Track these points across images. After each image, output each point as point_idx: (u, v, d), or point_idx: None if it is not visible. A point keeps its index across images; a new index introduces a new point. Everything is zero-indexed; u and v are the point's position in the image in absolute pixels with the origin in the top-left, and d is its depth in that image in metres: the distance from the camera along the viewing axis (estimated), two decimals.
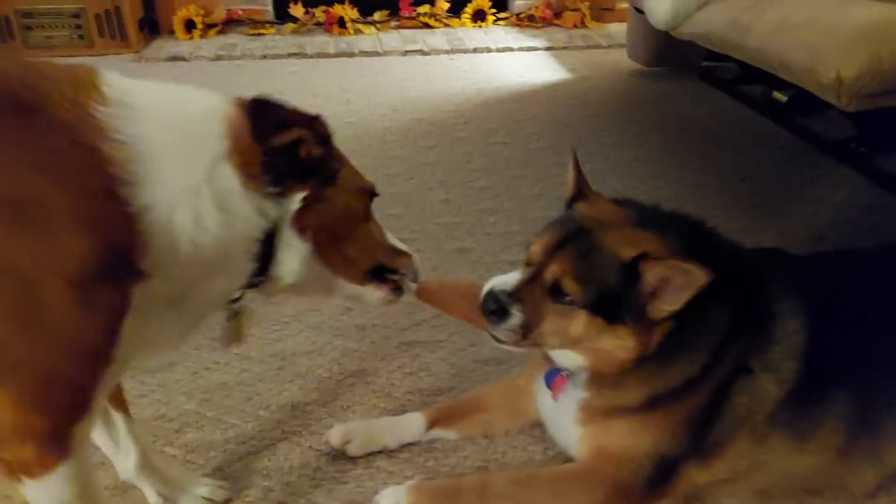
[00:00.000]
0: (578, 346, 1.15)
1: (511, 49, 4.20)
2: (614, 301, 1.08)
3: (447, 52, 4.13)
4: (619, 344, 1.11)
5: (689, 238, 1.17)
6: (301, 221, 0.96)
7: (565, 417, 1.25)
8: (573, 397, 1.23)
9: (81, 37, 4.01)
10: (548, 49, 4.23)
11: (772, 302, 1.21)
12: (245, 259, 0.94)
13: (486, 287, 1.14)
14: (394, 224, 2.14)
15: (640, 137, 2.90)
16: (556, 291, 1.10)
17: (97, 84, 0.82)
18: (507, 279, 1.14)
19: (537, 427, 1.38)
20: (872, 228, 2.15)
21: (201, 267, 0.89)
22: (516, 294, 1.11)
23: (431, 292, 1.27)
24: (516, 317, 1.11)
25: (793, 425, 1.20)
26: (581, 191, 1.23)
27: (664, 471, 1.18)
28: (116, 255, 0.80)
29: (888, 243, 1.59)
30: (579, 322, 1.10)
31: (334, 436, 1.31)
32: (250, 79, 3.60)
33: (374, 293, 1.13)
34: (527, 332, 1.12)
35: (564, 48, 4.25)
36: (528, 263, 1.16)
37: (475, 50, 4.16)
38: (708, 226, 1.25)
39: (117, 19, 4.03)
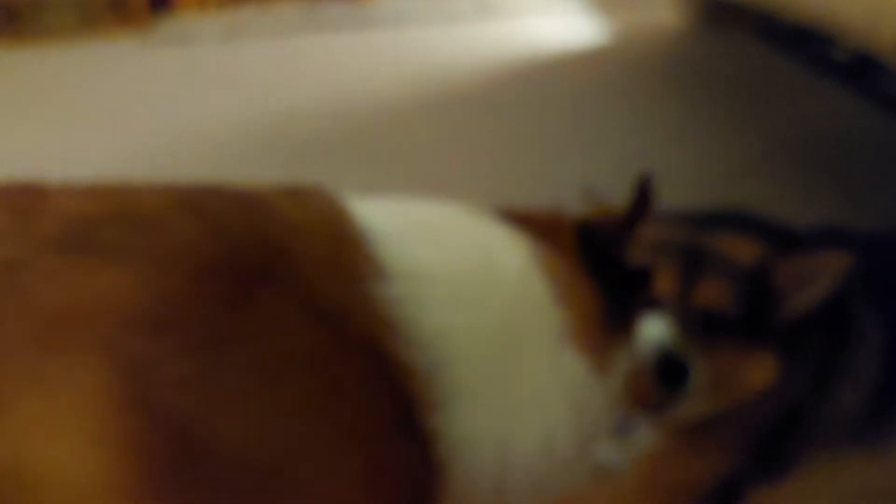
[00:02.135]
0: (717, 385, 0.97)
1: (544, 12, 3.99)
2: (752, 317, 0.95)
3: (476, 18, 3.94)
4: (759, 368, 0.97)
5: (754, 227, 1.06)
6: None
7: (615, 445, 1.11)
8: (642, 436, 1.07)
9: (87, 20, 3.88)
10: (585, 10, 4.00)
11: (847, 298, 1.06)
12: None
13: (648, 349, 0.90)
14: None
15: (691, 102, 2.68)
16: (708, 323, 0.94)
17: (360, 243, 0.57)
18: (658, 330, 0.91)
19: None
20: None
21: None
22: (683, 343, 0.91)
23: None
24: (693, 368, 0.91)
25: (870, 432, 1.10)
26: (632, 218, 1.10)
27: (730, 496, 1.08)
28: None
29: None
30: (727, 356, 0.95)
31: None
32: (265, 57, 3.46)
33: None
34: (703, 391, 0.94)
35: (603, 8, 4.01)
36: (651, 303, 0.96)
37: (506, 14, 3.95)
38: (752, 211, 1.13)
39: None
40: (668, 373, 0.89)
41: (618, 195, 2.11)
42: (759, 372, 0.98)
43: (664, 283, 0.96)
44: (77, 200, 0.52)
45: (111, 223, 0.50)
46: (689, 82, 2.94)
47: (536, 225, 0.67)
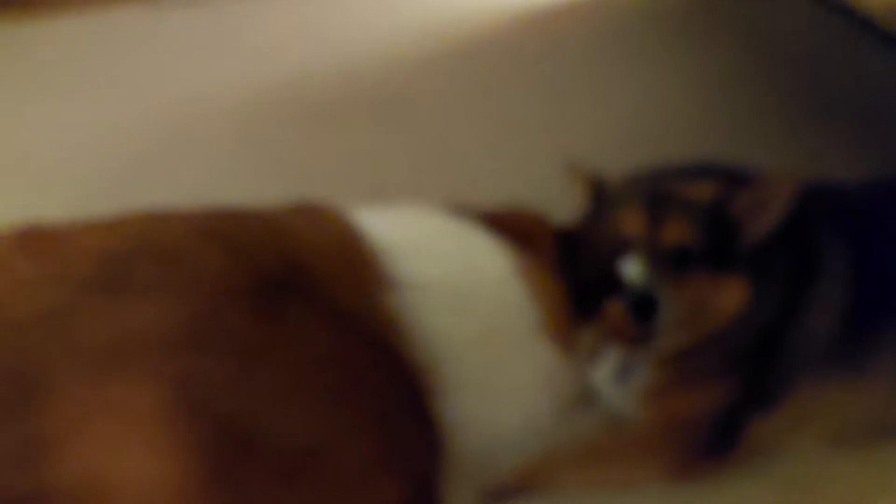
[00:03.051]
0: (691, 314, 1.09)
1: None
2: (718, 248, 1.06)
3: None
4: (730, 295, 1.08)
5: (721, 179, 1.14)
6: None
7: (620, 391, 1.21)
8: (636, 371, 1.18)
9: None
10: None
11: (813, 233, 1.16)
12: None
13: (625, 284, 1.02)
14: (425, 174, 2.06)
15: (700, 49, 2.66)
16: (676, 259, 1.05)
17: (372, 259, 0.66)
18: (631, 268, 1.02)
19: None
20: None
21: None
22: (654, 279, 1.02)
23: None
24: (663, 302, 1.02)
25: (854, 367, 1.16)
26: (600, 182, 1.18)
27: (729, 423, 1.16)
28: (422, 493, 0.65)
29: None
30: (699, 286, 1.06)
31: None
32: (274, 16, 3.42)
33: None
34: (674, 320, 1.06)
35: None
36: (624, 245, 1.07)
37: None
38: (725, 165, 1.20)
39: None
40: (641, 308, 1.00)
41: (624, 149, 2.16)
42: (729, 298, 1.08)
43: (633, 224, 1.07)
44: (100, 238, 0.58)
45: (140, 259, 0.56)
46: (694, 30, 2.89)
47: (517, 229, 0.79)
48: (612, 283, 0.91)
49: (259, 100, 2.65)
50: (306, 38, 3.11)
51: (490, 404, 0.70)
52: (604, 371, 1.21)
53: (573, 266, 0.80)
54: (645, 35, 2.82)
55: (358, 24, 3.21)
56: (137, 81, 2.92)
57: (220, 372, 0.53)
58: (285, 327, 0.57)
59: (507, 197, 1.89)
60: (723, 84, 2.37)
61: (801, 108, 2.22)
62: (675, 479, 1.15)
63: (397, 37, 3.04)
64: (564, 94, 2.45)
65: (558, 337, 0.76)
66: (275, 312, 0.57)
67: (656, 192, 1.10)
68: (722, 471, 1.17)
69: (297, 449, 0.55)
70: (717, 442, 1.15)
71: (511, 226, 0.80)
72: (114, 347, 0.51)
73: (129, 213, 0.62)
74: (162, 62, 3.09)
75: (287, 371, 0.56)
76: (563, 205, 1.85)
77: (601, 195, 1.16)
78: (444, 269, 0.70)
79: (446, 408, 0.65)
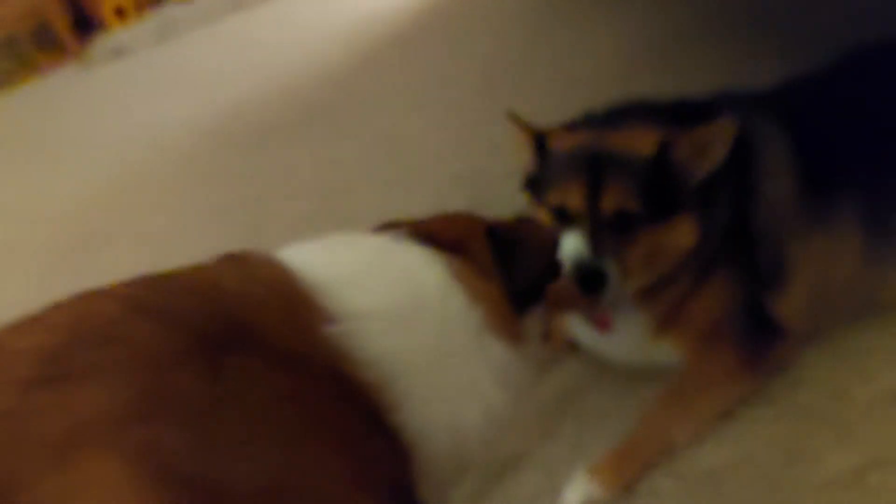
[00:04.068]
0: (649, 264, 1.12)
1: None
2: (663, 197, 1.09)
3: None
4: (681, 235, 1.12)
5: (652, 114, 1.18)
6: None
7: (635, 342, 1.23)
8: (631, 322, 1.21)
9: (23, 62, 3.91)
10: None
11: (745, 120, 1.18)
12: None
13: (568, 264, 1.06)
14: (377, 169, 2.13)
15: None
16: (619, 223, 1.08)
17: (309, 297, 0.68)
18: (574, 245, 1.07)
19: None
20: (892, 15, 2.01)
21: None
22: (598, 250, 1.06)
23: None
24: (612, 272, 1.06)
25: (822, 221, 1.20)
26: (541, 134, 1.20)
27: (758, 312, 1.19)
28: (402, 499, 0.68)
29: (864, 45, 1.52)
30: (648, 240, 1.10)
31: None
32: (199, 51, 3.49)
33: None
34: (621, 285, 1.08)
35: None
36: (569, 218, 1.11)
37: None
38: (647, 99, 1.24)
39: (50, 32, 3.90)
40: (589, 282, 1.04)
41: (556, 100, 2.21)
42: (680, 237, 1.11)
43: (574, 200, 1.09)
44: (32, 336, 0.58)
45: (76, 347, 0.57)
46: None
47: (448, 234, 0.82)
48: (557, 266, 0.91)
49: (201, 132, 2.71)
50: (235, 68, 3.17)
51: (450, 407, 0.72)
52: (593, 335, 1.23)
53: (513, 257, 0.83)
54: None
55: (283, 40, 3.28)
56: (81, 140, 2.98)
57: (175, 436, 0.54)
58: (235, 381, 0.59)
59: (457, 173, 2.00)
60: (655, 13, 2.44)
61: (725, 20, 2.29)
62: (748, 376, 1.17)
63: (327, 42, 3.11)
64: (497, 56, 2.52)
65: (504, 331, 0.78)
66: (218, 368, 0.59)
67: (594, 154, 1.11)
68: (787, 359, 1.20)
69: (268, 489, 0.57)
70: (757, 331, 1.18)
71: (441, 232, 0.82)
72: (70, 434, 0.52)
73: (54, 305, 0.62)
74: (102, 115, 3.15)
75: (241, 420, 0.58)
76: (510, 173, 1.95)
77: (543, 150, 1.18)
78: (381, 291, 0.72)
79: (408, 418, 0.67)
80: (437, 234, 0.81)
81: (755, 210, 1.19)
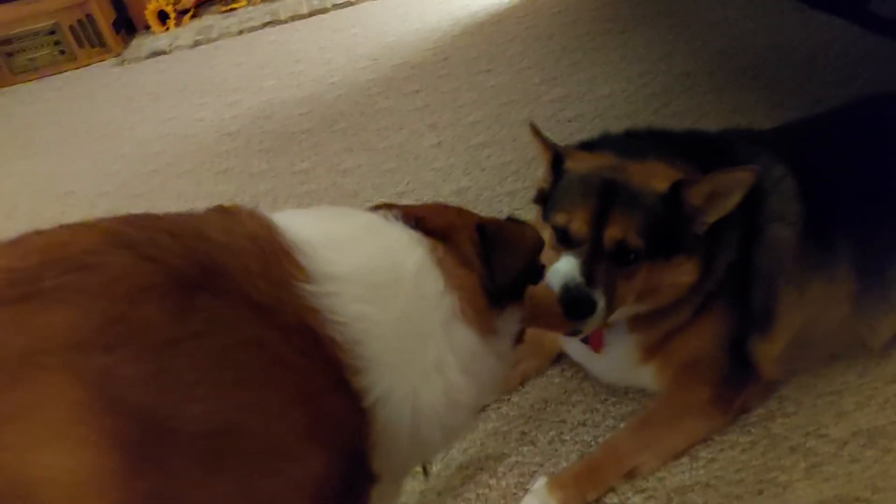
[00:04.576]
0: (643, 297, 1.14)
1: None
2: (668, 236, 1.10)
3: None
4: (681, 274, 1.12)
5: (669, 146, 1.21)
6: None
7: (622, 363, 1.25)
8: (621, 343, 1.23)
9: (62, 52, 4.03)
10: None
11: (748, 161, 1.21)
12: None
13: (558, 286, 1.08)
14: (389, 179, 2.19)
15: (624, 35, 2.83)
16: (618, 255, 1.09)
17: (289, 253, 0.69)
18: (569, 268, 1.08)
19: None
20: (874, 77, 2.10)
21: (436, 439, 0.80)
22: (591, 278, 1.07)
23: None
24: (600, 301, 1.07)
25: (819, 268, 1.21)
26: (558, 152, 1.22)
27: (739, 354, 1.20)
28: (354, 462, 0.70)
29: (860, 98, 1.57)
30: (646, 275, 1.11)
31: None
32: (232, 58, 3.60)
33: None
34: (608, 314, 1.10)
35: None
36: (570, 241, 1.12)
37: None
38: (663, 129, 1.29)
39: (92, 26, 4.03)
40: (572, 305, 1.05)
41: (559, 135, 2.30)
42: (678, 277, 1.11)
43: (577, 225, 1.10)
44: (1, 259, 0.58)
45: (47, 270, 0.57)
46: (622, 14, 3.04)
47: (437, 223, 0.84)
48: (538, 269, 0.94)
49: (225, 132, 2.78)
50: (264, 77, 3.25)
51: (412, 382, 0.73)
52: (586, 352, 1.25)
53: (497, 252, 0.84)
54: (576, 26, 2.97)
55: (311, 57, 3.37)
56: (112, 130, 3.06)
57: (134, 368, 0.55)
58: (201, 320, 0.60)
59: (462, 188, 2.07)
60: (657, 59, 2.51)
61: (725, 70, 2.35)
62: (717, 415, 1.17)
63: (353, 61, 3.20)
64: (510, 89, 2.60)
65: (476, 321, 0.79)
66: (189, 307, 0.60)
67: (607, 183, 1.10)
68: (757, 403, 1.21)
69: (217, 431, 0.57)
70: (735, 372, 1.18)
71: (432, 218, 0.85)
72: (25, 354, 0.52)
73: (35, 231, 0.63)
74: (134, 109, 3.24)
75: (202, 361, 0.58)
76: (512, 192, 2.03)
77: (559, 168, 1.19)
78: (361, 260, 0.74)
79: (371, 384, 0.69)
80: (427, 219, 0.85)
81: (757, 250, 1.20)
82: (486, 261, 0.84)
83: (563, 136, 2.21)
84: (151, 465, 0.54)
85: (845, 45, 2.29)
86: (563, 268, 1.09)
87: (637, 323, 1.21)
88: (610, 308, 1.10)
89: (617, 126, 2.15)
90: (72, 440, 0.51)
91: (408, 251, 0.78)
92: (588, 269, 1.08)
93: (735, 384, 1.20)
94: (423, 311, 0.76)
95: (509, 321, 0.87)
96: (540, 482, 1.15)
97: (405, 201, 2.02)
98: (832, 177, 1.27)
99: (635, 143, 1.23)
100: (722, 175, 1.10)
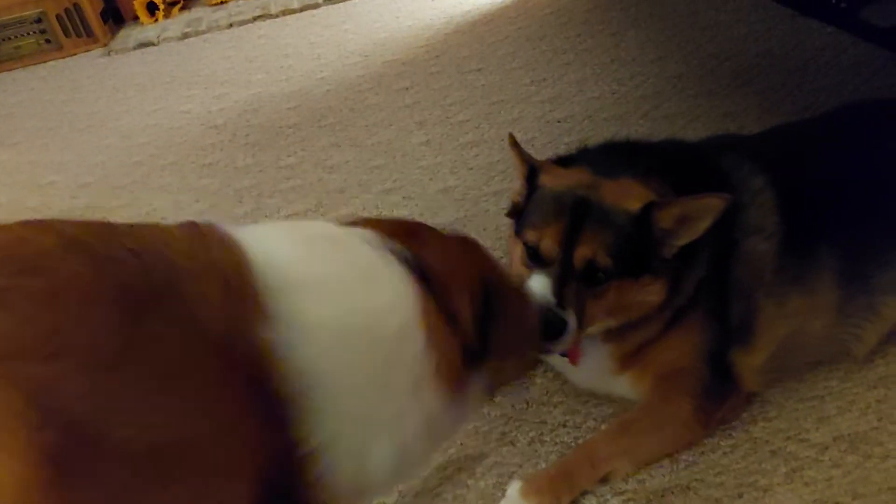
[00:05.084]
0: (625, 311, 1.15)
1: None
2: (637, 256, 1.10)
3: None
4: (648, 293, 1.13)
5: (647, 161, 1.20)
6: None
7: (598, 372, 1.24)
8: (596, 353, 1.22)
9: (48, 41, 3.98)
10: None
11: (729, 173, 1.22)
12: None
13: (536, 294, 1.09)
14: (376, 176, 2.17)
15: (616, 37, 2.82)
16: (588, 274, 1.09)
17: (255, 295, 0.66)
18: (541, 290, 1.08)
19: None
20: (863, 84, 2.10)
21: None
22: (562, 299, 1.08)
23: None
24: (571, 322, 1.08)
25: (799, 280, 1.20)
26: (534, 167, 1.21)
27: (719, 366, 1.19)
28: (287, 500, 0.69)
29: (846, 104, 1.56)
30: (614, 294, 1.11)
31: None
32: (220, 51, 3.56)
33: None
34: (580, 332, 1.11)
35: None
36: (540, 260, 1.13)
37: None
38: (643, 141, 1.29)
39: (79, 16, 3.98)
40: (546, 328, 1.05)
41: (548, 136, 2.28)
42: (648, 296, 1.12)
43: (548, 244, 1.10)
44: None
45: None
46: (614, 16, 3.03)
47: (439, 266, 0.79)
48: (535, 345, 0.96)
49: (211, 125, 2.75)
50: (253, 68, 3.23)
51: (365, 434, 0.71)
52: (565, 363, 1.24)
53: (497, 320, 0.79)
54: (568, 27, 2.96)
55: (301, 52, 3.34)
56: (96, 120, 3.02)
57: (74, 380, 0.54)
58: (147, 340, 0.59)
59: (450, 187, 2.05)
60: (649, 62, 2.50)
61: (716, 75, 2.35)
62: (697, 427, 1.16)
63: (343, 57, 3.18)
64: (501, 89, 2.59)
65: (448, 385, 0.76)
66: (137, 325, 0.58)
67: (579, 201, 1.10)
68: (738, 414, 1.20)
69: (152, 451, 0.57)
70: (716, 384, 1.17)
71: (434, 261, 0.79)
72: None
73: None
74: (119, 100, 3.19)
75: (142, 381, 0.58)
76: (498, 192, 2.02)
77: (533, 183, 1.18)
78: (341, 312, 0.70)
79: (312, 432, 0.67)
80: (429, 260, 0.79)
81: (734, 264, 1.19)
82: (481, 325, 0.79)
83: (552, 136, 2.20)
84: (83, 480, 0.54)
85: (836, 52, 2.30)
86: (535, 286, 1.09)
87: (610, 334, 1.21)
88: (581, 326, 1.11)
89: (606, 128, 2.17)
90: (5, 449, 0.51)
91: (396, 309, 0.74)
92: (559, 289, 1.08)
93: (716, 396, 1.19)
94: (396, 371, 0.73)
95: (484, 376, 0.84)
96: (514, 487, 1.13)
97: (391, 199, 2.03)
98: (816, 184, 1.26)
99: (613, 159, 1.22)
100: (693, 200, 1.10)
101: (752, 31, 2.59)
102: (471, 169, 2.13)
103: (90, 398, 0.55)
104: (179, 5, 4.29)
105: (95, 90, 3.39)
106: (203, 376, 0.62)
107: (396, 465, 0.74)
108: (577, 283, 1.10)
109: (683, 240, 1.11)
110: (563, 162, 1.25)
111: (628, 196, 1.12)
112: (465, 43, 3.05)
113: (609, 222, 1.09)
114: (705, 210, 1.09)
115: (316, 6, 3.96)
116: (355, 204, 2.06)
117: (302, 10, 3.97)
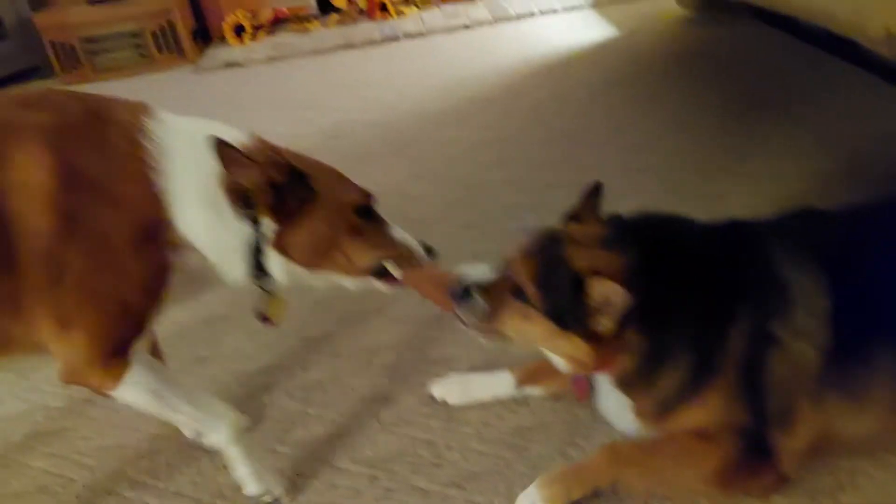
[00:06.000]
0: (541, 345, 1.22)
1: (555, 10, 4.16)
2: (564, 309, 1.14)
3: (491, 22, 4.12)
4: (575, 350, 1.17)
5: (657, 248, 1.18)
6: (278, 244, 1.19)
7: (625, 416, 1.26)
8: (620, 400, 1.25)
9: (142, 55, 4.20)
10: (593, 6, 4.17)
11: (777, 268, 1.19)
12: (240, 258, 1.19)
13: (464, 273, 1.25)
14: (456, 210, 2.22)
15: (696, 88, 2.85)
16: (519, 292, 1.18)
17: (144, 107, 1.20)
18: (479, 272, 1.25)
19: None
20: None
21: (214, 250, 1.18)
22: (483, 286, 1.22)
23: (414, 280, 1.35)
24: (478, 301, 1.22)
25: (844, 387, 1.18)
26: (578, 215, 1.26)
27: (756, 441, 1.19)
28: (154, 222, 1.12)
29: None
30: (534, 322, 1.17)
31: (436, 389, 1.47)
32: (304, 76, 3.71)
33: (376, 284, 1.32)
34: (489, 321, 1.22)
35: (610, 2, 4.17)
36: (504, 265, 1.24)
37: (518, 17, 4.15)
38: (684, 221, 1.25)
39: (172, 34, 4.20)
40: (459, 289, 1.22)
41: (624, 186, 2.28)
42: (573, 350, 1.16)
43: (510, 256, 1.20)
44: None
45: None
46: (696, 67, 3.07)
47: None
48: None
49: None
50: (335, 97, 3.34)
51: (188, 187, 1.14)
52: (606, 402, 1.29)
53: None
54: (647, 74, 3.00)
55: (382, 83, 3.46)
56: None
57: (82, 159, 1.09)
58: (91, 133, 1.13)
59: (527, 227, 2.08)
60: (712, 113, 2.52)
61: (741, 106, 2.39)
62: (715, 482, 1.17)
63: (424, 90, 3.28)
64: (580, 133, 2.64)
65: (226, 191, 1.17)
66: (101, 133, 1.13)
67: (552, 243, 1.18)
68: (772, 487, 1.19)
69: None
70: (753, 453, 1.17)
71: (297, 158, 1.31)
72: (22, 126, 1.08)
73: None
74: (209, 116, 3.32)
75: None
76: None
77: (576, 217, 1.25)
78: (205, 164, 1.15)
79: (164, 180, 1.12)
80: (286, 156, 1.28)
81: (775, 360, 1.17)
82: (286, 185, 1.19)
83: (623, 185, 2.20)
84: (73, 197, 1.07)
85: None
86: (475, 268, 1.25)
87: (623, 387, 1.22)
88: (490, 317, 1.21)
89: (682, 186, 2.15)
90: (34, 168, 1.05)
91: (213, 130, 1.18)
92: (487, 281, 1.22)
93: (746, 465, 1.18)
94: (203, 157, 1.13)
95: (263, 225, 1.19)
96: (536, 480, 1.22)
97: (470, 233, 2.07)
98: (870, 284, 1.20)
99: (631, 231, 1.22)
100: (599, 283, 1.10)
101: (835, 96, 2.58)
102: (548, 210, 2.14)
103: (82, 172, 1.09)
104: (265, 30, 4.49)
105: (186, 105, 3.53)
106: (120, 144, 1.12)
107: (201, 215, 1.15)
108: (506, 288, 1.20)
109: (607, 323, 1.12)
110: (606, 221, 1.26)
111: (587, 260, 1.14)
112: (543, 85, 3.12)
113: (554, 267, 1.15)
114: (614, 297, 1.09)
115: (396, 39, 4.10)
116: (437, 236, 2.10)
117: (383, 42, 4.11)
